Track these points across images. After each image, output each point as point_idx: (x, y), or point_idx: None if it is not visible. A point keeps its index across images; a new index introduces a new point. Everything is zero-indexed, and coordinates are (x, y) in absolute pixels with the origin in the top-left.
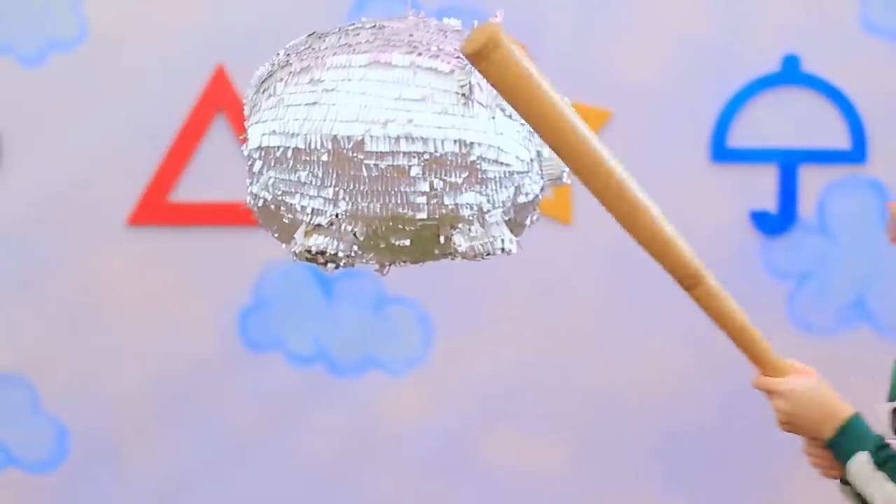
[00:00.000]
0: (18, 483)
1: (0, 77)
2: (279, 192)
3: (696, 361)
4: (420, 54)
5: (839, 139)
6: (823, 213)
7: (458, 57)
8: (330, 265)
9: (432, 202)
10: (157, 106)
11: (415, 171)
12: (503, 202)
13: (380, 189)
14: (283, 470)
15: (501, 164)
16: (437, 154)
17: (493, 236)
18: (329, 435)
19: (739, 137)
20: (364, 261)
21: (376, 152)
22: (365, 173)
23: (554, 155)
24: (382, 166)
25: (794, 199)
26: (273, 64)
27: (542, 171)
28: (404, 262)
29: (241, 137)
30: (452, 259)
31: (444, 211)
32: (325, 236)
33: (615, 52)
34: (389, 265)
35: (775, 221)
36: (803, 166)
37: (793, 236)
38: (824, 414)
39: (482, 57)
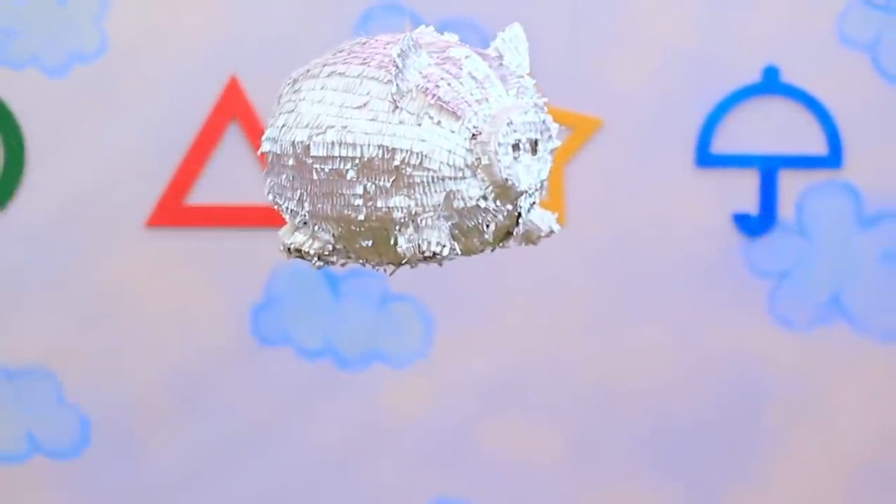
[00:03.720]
0: (43, 469)
1: (26, 87)
2: (273, 195)
3: (688, 356)
4: (369, 65)
5: (816, 146)
6: (802, 215)
7: None
8: (318, 262)
9: (368, 205)
10: (173, 114)
11: (350, 175)
12: (434, 206)
13: (327, 191)
14: (293, 457)
15: (427, 169)
16: (365, 158)
17: (424, 239)
18: (336, 424)
19: (722, 144)
20: (350, 261)
21: (320, 157)
22: (315, 177)
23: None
24: (327, 170)
25: (774, 202)
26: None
27: (487, 179)
28: (390, 263)
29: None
30: (406, 265)
31: (379, 214)
32: (303, 235)
33: (605, 64)
34: (375, 265)
35: (756, 223)
36: (783, 171)
37: (772, 237)
38: None
39: None
